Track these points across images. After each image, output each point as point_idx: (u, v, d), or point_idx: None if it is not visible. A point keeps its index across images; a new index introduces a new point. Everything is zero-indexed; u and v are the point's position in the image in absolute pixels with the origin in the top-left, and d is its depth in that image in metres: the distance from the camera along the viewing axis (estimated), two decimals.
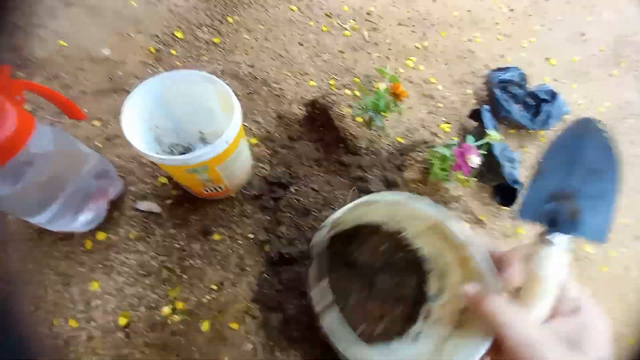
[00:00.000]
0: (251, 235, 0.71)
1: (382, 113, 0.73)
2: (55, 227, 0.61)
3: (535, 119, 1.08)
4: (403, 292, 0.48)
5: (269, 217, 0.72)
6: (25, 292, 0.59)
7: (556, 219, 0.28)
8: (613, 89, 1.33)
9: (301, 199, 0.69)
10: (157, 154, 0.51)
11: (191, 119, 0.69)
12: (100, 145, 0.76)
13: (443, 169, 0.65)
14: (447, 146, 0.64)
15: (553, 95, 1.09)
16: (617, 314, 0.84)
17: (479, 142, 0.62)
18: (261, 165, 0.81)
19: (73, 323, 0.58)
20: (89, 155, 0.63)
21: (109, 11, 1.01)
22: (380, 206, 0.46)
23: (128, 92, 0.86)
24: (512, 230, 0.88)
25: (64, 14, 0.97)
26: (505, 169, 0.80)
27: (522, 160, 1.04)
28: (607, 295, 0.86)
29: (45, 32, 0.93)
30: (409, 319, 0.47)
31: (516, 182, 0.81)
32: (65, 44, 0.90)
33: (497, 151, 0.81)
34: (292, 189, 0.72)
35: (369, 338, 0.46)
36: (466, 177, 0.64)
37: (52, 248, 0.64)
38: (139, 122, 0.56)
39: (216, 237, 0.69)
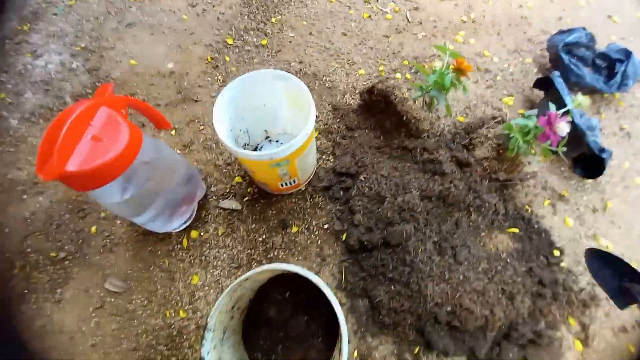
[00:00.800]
0: (326, 226, 0.73)
1: (446, 91, 0.71)
2: (154, 228, 0.67)
3: (610, 81, 0.98)
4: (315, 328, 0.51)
5: (341, 207, 0.74)
6: (138, 288, 0.67)
7: None
8: None
9: (373, 186, 0.70)
10: None
11: (258, 119, 0.72)
12: (178, 152, 0.82)
13: (526, 141, 0.61)
14: (527, 117, 0.61)
15: (627, 54, 0.98)
16: None
17: (563, 110, 0.58)
18: (325, 157, 0.82)
19: (182, 314, 0.64)
20: (180, 162, 0.69)
21: (165, 27, 1.08)
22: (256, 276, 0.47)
23: (195, 102, 0.93)
24: (602, 205, 0.81)
25: (128, 35, 1.06)
26: (588, 137, 0.74)
27: (602, 127, 0.95)
28: None
29: (115, 53, 1.02)
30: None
31: (603, 150, 0.75)
32: (135, 62, 0.98)
33: (577, 119, 0.75)
34: (361, 177, 0.73)
35: None
36: (553, 148, 0.60)
37: (155, 247, 0.70)
38: (224, 125, 0.60)
39: (294, 229, 0.72)
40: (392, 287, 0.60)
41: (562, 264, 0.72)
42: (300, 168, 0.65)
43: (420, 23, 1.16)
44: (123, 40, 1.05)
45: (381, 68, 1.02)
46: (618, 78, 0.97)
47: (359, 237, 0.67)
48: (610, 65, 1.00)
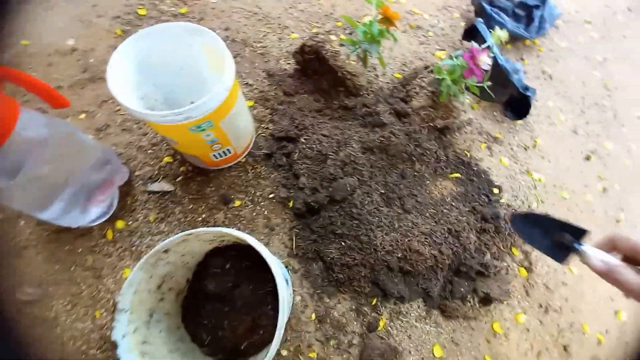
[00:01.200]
0: (271, 195, 0.69)
1: (377, 42, 0.69)
2: (68, 222, 0.58)
3: (529, 27, 1.04)
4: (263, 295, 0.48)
5: (285, 174, 0.70)
6: (57, 292, 0.57)
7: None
8: None
9: (314, 146, 0.67)
10: None
11: (181, 86, 0.64)
12: (92, 137, 0.71)
13: (454, 81, 0.61)
14: (453, 57, 0.61)
15: (543, 0, 1.05)
16: None
17: (485, 45, 0.58)
18: (263, 125, 0.77)
19: None
20: (90, 145, 0.59)
21: (62, 1, 0.93)
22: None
23: (105, 80, 0.82)
24: (532, 142, 0.86)
25: (18, 13, 0.90)
26: (513, 77, 0.77)
27: (525, 72, 1.01)
28: (637, 186, 0.86)
29: (2, 35, 0.86)
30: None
31: (527, 88, 0.79)
32: (27, 42, 0.83)
33: (502, 61, 0.78)
34: (302, 140, 0.69)
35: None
36: (479, 83, 0.61)
37: (74, 245, 0.61)
38: (127, 89, 0.52)
39: (237, 203, 0.67)
40: (343, 243, 0.58)
41: (502, 200, 0.75)
42: (230, 133, 0.59)
43: None
44: (12, 19, 0.88)
45: (315, 30, 0.98)
46: (536, 22, 1.03)
47: (305, 199, 0.63)
48: (529, 14, 1.06)
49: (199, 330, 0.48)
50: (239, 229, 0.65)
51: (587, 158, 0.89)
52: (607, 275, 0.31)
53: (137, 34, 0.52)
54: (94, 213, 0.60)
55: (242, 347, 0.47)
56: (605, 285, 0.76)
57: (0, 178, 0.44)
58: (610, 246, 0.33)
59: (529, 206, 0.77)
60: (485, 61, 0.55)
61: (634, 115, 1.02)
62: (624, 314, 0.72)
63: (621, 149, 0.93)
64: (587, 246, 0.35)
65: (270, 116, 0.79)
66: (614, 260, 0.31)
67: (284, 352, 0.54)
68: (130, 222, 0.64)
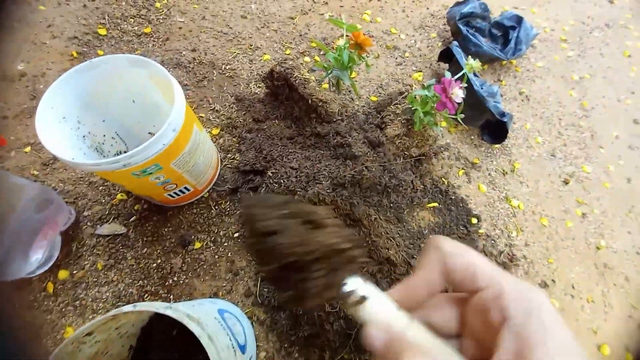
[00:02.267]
0: (236, 234, 0.63)
1: (348, 69, 0.66)
2: (9, 275, 0.51)
3: (506, 48, 1.03)
4: None
5: None
6: None
7: None
8: (573, 6, 1.29)
9: (282, 181, 0.62)
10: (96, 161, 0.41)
11: (137, 117, 0.59)
12: (37, 172, 0.65)
13: (426, 113, 0.58)
14: (426, 87, 0.58)
15: (519, 20, 1.04)
16: (631, 227, 0.83)
17: (458, 75, 0.56)
18: (230, 155, 0.72)
19: None
20: (24, 186, 0.53)
21: (13, 21, 0.86)
22: None
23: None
24: (510, 167, 0.84)
25: None
26: (489, 103, 0.75)
27: (503, 94, 0.99)
28: (616, 210, 0.85)
29: None
30: None
31: (503, 114, 0.76)
32: None
33: (477, 87, 0.76)
34: (269, 173, 0.64)
35: None
36: (453, 116, 0.58)
37: (9, 301, 0.54)
38: (63, 128, 0.47)
39: (197, 245, 0.61)
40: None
41: (480, 231, 0.72)
42: (186, 172, 0.54)
43: (327, 3, 1.10)
44: None
45: (288, 52, 0.94)
46: (512, 44, 1.02)
47: None
48: (505, 34, 1.05)
49: None
50: (199, 275, 0.59)
51: (566, 182, 0.87)
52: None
53: (74, 69, 0.46)
54: (35, 261, 0.54)
55: None
56: (587, 317, 0.72)
57: None
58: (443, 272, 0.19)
59: (508, 235, 0.74)
60: (457, 94, 0.52)
61: (612, 135, 1.02)
62: (607, 348, 0.69)
63: (600, 170, 0.93)
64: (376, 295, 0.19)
65: (237, 145, 0.74)
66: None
67: None
68: (75, 271, 0.57)
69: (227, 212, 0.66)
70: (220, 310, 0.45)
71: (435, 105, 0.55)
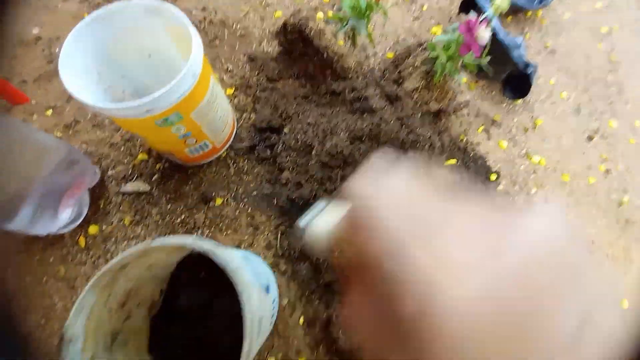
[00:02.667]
0: (255, 192, 0.64)
1: (365, 17, 0.63)
2: (39, 230, 0.54)
3: None
4: None
5: (269, 168, 0.65)
6: (30, 306, 0.54)
7: None
8: None
9: (299, 136, 0.62)
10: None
11: (153, 76, 0.59)
12: (60, 135, 0.66)
13: (449, 58, 0.56)
14: (449, 32, 0.55)
15: None
16: None
17: (484, 16, 0.52)
18: (245, 115, 0.72)
19: None
20: (53, 145, 0.54)
21: None
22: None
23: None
24: (532, 124, 0.81)
25: None
26: (513, 52, 0.71)
27: (527, 46, 0.94)
28: None
29: None
30: None
31: (528, 65, 0.73)
32: None
33: (501, 36, 0.71)
34: (285, 130, 0.64)
35: None
36: (477, 60, 0.56)
37: (44, 255, 0.57)
38: (87, 80, 0.47)
39: (218, 201, 0.63)
40: None
41: (499, 187, 0.71)
42: (205, 126, 0.54)
43: None
44: None
45: (299, 7, 0.90)
46: None
47: (289, 195, 0.59)
48: None
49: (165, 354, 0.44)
50: (221, 230, 0.61)
51: (590, 138, 0.84)
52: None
53: (89, 17, 0.46)
54: (64, 219, 0.56)
55: None
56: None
57: None
58: None
59: (527, 192, 0.73)
60: (483, 34, 0.49)
61: (639, 89, 0.97)
62: (626, 302, 0.69)
63: (626, 126, 0.89)
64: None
65: (252, 104, 0.73)
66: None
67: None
68: (104, 227, 0.60)
69: (244, 171, 0.66)
70: (244, 255, 0.47)
71: (459, 49, 0.53)
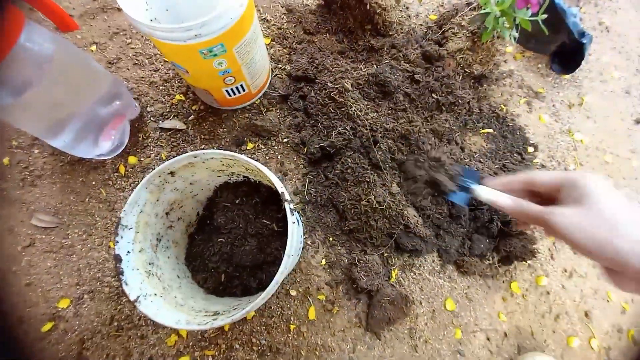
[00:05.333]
0: (285, 140, 0.65)
1: None
2: (80, 153, 0.57)
3: None
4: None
5: (300, 118, 0.65)
6: (73, 221, 0.58)
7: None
8: None
9: (332, 87, 0.61)
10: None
11: (195, 16, 0.59)
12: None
13: (503, 13, 0.53)
14: None
15: None
16: None
17: None
18: (280, 66, 0.72)
19: None
20: (102, 74, 0.56)
21: None
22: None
23: (119, 10, 0.77)
24: (578, 100, 0.77)
25: None
26: (569, 19, 0.67)
27: (582, 19, 0.88)
28: None
29: None
30: None
31: (583, 34, 0.68)
32: None
33: (558, 0, 0.67)
34: (319, 81, 0.63)
35: None
36: (533, 17, 0.53)
37: (88, 177, 0.61)
38: (136, 11, 0.48)
39: (250, 146, 0.64)
40: (359, 190, 0.55)
41: (536, 160, 0.69)
42: (245, 65, 0.54)
43: None
44: None
45: None
46: None
47: (320, 143, 0.59)
48: None
49: (201, 270, 0.47)
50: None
51: (638, 121, 0.79)
52: (513, 208, 0.32)
53: None
54: (105, 146, 0.59)
55: (251, 284, 0.47)
56: None
57: (6, 94, 0.42)
58: (507, 187, 0.35)
59: (565, 168, 0.70)
60: None
61: None
62: None
63: None
64: (481, 186, 0.37)
65: (287, 56, 0.73)
66: (504, 197, 0.33)
67: (293, 292, 0.54)
68: (142, 159, 0.62)
69: (277, 119, 0.67)
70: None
71: (514, 2, 0.50)
